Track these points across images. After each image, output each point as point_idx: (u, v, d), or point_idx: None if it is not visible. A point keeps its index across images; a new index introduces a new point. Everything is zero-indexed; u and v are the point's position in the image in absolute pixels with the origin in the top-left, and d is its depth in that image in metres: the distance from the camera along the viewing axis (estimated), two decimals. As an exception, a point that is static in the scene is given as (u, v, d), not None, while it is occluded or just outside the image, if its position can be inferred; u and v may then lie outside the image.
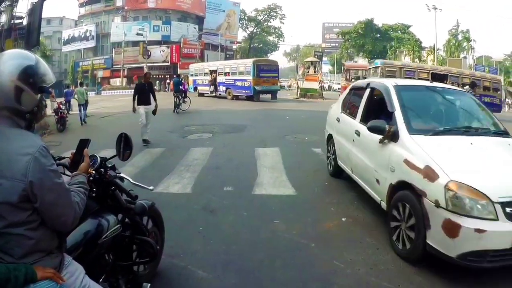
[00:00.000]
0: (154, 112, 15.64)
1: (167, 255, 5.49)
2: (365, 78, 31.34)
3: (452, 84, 30.30)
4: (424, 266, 5.48)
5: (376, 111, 7.87)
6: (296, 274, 5.34)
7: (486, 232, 4.73)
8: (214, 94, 44.48)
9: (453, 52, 74.80)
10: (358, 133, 7.99)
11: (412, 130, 6.42)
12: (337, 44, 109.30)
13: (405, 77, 30.30)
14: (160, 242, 5.08)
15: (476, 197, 4.89)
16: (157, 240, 4.91)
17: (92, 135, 15.53)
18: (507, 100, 64.34)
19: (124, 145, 4.13)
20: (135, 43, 77.56)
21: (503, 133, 7.05)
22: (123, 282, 3.95)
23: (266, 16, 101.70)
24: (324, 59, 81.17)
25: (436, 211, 5.09)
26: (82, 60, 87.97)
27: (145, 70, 67.50)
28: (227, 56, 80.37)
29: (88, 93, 27.99)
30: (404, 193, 5.81)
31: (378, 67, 31.80)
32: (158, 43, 78.94)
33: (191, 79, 51.06)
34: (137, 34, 72.85)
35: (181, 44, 77.49)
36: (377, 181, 6.83)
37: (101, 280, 3.53)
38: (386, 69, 30.97)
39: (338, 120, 9.78)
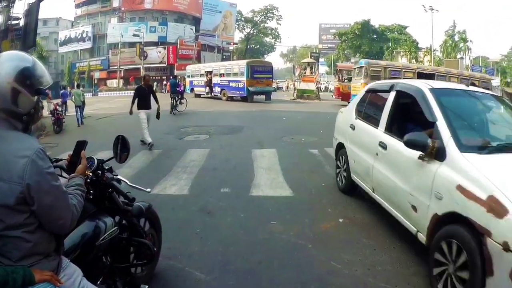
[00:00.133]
0: (157, 116, 15.56)
1: (165, 256, 5.50)
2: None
3: None
4: (422, 267, 5.51)
5: (405, 119, 7.10)
6: (294, 275, 5.34)
7: None
8: (209, 95, 44.67)
9: (450, 53, 74.91)
10: (383, 146, 6.64)
11: (463, 147, 5.15)
12: (333, 45, 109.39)
13: (390, 77, 30.16)
14: (158, 244, 5.08)
15: None
16: (155, 242, 4.92)
17: (89, 136, 15.50)
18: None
19: (121, 147, 4.13)
20: (131, 44, 77.43)
21: None
22: (120, 284, 3.95)
23: (262, 17, 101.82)
24: (321, 60, 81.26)
25: (504, 255, 3.99)
26: (78, 61, 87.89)
27: (142, 71, 67.94)
28: (224, 57, 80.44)
29: (85, 94, 27.97)
30: (456, 228, 4.63)
31: (363, 67, 31.77)
32: (155, 44, 78.97)
33: (187, 80, 51.12)
34: (134, 35, 72.76)
35: (178, 45, 77.50)
36: (414, 207, 5.54)
37: (98, 282, 3.53)
38: (371, 69, 30.95)
39: (352, 127, 8.44)
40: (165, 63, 77.43)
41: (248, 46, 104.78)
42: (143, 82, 15.98)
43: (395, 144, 6.29)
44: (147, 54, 75.03)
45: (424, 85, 6.53)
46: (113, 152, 4.15)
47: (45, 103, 24.79)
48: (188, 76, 51.50)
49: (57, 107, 22.24)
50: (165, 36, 79.85)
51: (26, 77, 2.49)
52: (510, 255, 3.90)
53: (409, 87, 6.86)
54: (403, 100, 7.14)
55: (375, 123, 7.38)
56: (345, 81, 38.35)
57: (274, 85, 76.26)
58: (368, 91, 8.75)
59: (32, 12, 24.90)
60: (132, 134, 13.18)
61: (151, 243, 4.34)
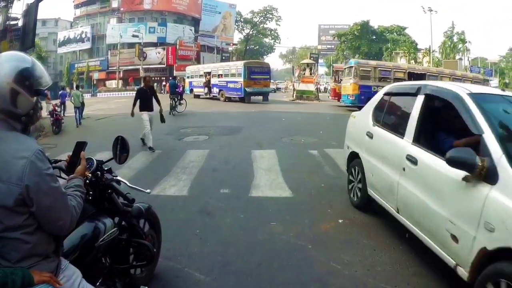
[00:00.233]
0: (162, 119, 15.46)
1: (164, 257, 5.49)
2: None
3: None
4: (421, 267, 5.52)
5: (435, 127, 6.24)
6: (294, 276, 5.34)
7: None
8: (208, 96, 44.84)
9: (449, 54, 74.99)
10: (413, 160, 5.63)
11: None
12: (333, 46, 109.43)
13: (380, 77, 30.71)
14: (157, 244, 5.07)
15: None
16: (154, 243, 4.90)
17: (88, 137, 15.44)
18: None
19: (121, 148, 4.12)
20: (130, 45, 77.37)
21: None
22: (120, 285, 3.94)
23: (262, 18, 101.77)
24: (320, 61, 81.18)
25: None
26: (77, 61, 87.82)
27: (141, 72, 68.09)
28: (223, 58, 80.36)
29: (84, 95, 27.95)
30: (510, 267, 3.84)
31: (352, 66, 31.88)
32: (154, 45, 78.91)
33: (187, 81, 51.42)
34: (133, 35, 72.69)
35: (177, 46, 77.45)
36: (454, 237, 4.69)
37: (98, 283, 3.53)
38: (360, 68, 31.07)
39: (369, 135, 7.46)
40: (164, 64, 77.40)
41: (248, 47, 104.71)
42: (143, 83, 15.77)
43: (429, 159, 5.36)
44: (146, 54, 74.97)
45: (460, 89, 5.58)
46: (112, 153, 4.14)
47: (44, 103, 24.73)
48: (188, 77, 51.73)
49: (56, 108, 22.26)
50: (164, 36, 79.82)
51: (25, 77, 2.48)
52: None
53: (442, 91, 5.88)
54: (433, 106, 6.28)
55: (400, 132, 6.43)
56: (341, 81, 38.41)
57: (274, 86, 76.80)
58: (387, 94, 7.70)
59: (30, 12, 24.93)
60: (132, 135, 13.16)
61: (150, 244, 4.33)
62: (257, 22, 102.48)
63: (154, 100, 15.12)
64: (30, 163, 2.35)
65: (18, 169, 2.33)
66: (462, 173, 4.51)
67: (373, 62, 35.60)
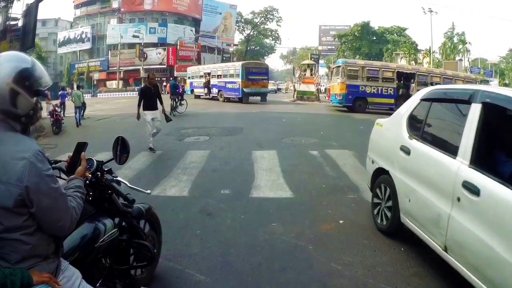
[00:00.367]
0: (167, 119, 15.17)
1: (165, 258, 5.50)
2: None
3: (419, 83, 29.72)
4: (422, 268, 5.53)
5: (492, 145, 5.02)
6: (294, 276, 5.34)
7: None
8: (208, 96, 45.04)
9: (449, 55, 74.94)
10: (473, 190, 4.43)
11: None
12: (333, 47, 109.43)
13: (368, 77, 30.61)
14: (158, 245, 5.06)
15: None
16: (155, 243, 4.90)
17: (88, 138, 15.45)
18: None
19: (121, 149, 4.11)
20: (131, 45, 77.36)
21: None
22: (120, 286, 3.93)
23: (262, 18, 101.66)
24: (321, 61, 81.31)
25: None
26: (77, 62, 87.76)
27: (142, 72, 68.12)
28: (224, 58, 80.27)
29: (84, 95, 28.01)
30: None
31: (340, 66, 31.82)
32: (155, 45, 78.84)
33: (188, 81, 51.76)
34: (133, 36, 72.72)
35: (178, 46, 77.41)
36: None
37: (98, 284, 3.52)
38: (348, 68, 30.99)
39: (405, 150, 6.14)
40: (165, 64, 77.32)
41: (248, 48, 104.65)
42: (148, 81, 15.16)
43: (499, 190, 4.13)
44: (146, 55, 74.95)
45: None
46: (112, 153, 4.13)
47: (44, 104, 24.78)
48: (189, 78, 52.00)
49: (56, 108, 22.25)
50: (165, 37, 79.73)
51: (25, 78, 2.47)
52: None
53: (507, 100, 4.55)
54: (492, 118, 4.90)
55: (450, 150, 5.20)
56: (331, 81, 38.42)
57: (275, 87, 76.83)
58: (426, 100, 6.36)
59: (30, 12, 24.93)
60: (132, 135, 13.17)
61: (151, 244, 4.33)
62: (258, 23, 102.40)
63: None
64: (30, 164, 2.35)
65: (18, 170, 2.32)
66: None
67: (361, 62, 35.70)
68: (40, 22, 61.12)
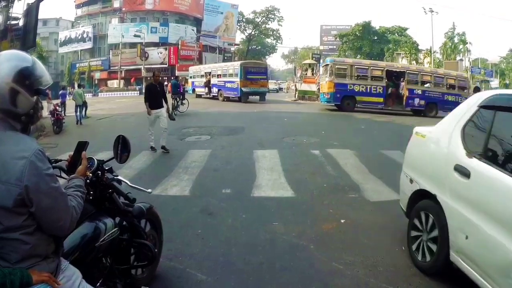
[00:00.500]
0: (171, 117, 14.80)
1: (166, 257, 5.49)
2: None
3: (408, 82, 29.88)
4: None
5: None
6: (295, 276, 5.33)
7: None
8: (208, 96, 45.34)
9: (450, 55, 74.97)
10: None
11: None
12: (335, 47, 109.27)
13: (357, 75, 30.51)
14: (159, 245, 5.05)
15: None
16: (155, 243, 4.88)
17: (89, 137, 15.47)
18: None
19: (122, 148, 4.10)
20: (132, 45, 77.30)
21: None
22: (121, 285, 3.92)
23: (264, 18, 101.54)
24: (322, 61, 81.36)
25: None
26: (79, 61, 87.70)
27: (143, 71, 68.05)
28: (225, 58, 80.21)
29: (85, 94, 28.06)
30: None
31: (328, 65, 31.80)
32: (156, 44, 78.78)
33: (190, 81, 52.24)
34: (135, 35, 72.63)
35: (179, 46, 77.37)
36: None
37: (98, 284, 3.51)
38: (336, 66, 30.89)
39: (463, 172, 4.83)
40: (166, 64, 77.23)
41: (250, 47, 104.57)
42: (152, 79, 14.80)
43: None
44: (148, 54, 74.90)
45: None
46: (113, 152, 4.12)
47: (44, 103, 24.80)
48: (191, 77, 52.42)
49: (57, 107, 22.27)
50: (166, 36, 79.67)
51: (25, 77, 2.46)
52: None
53: None
54: None
55: None
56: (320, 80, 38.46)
57: (276, 86, 76.97)
58: (488, 107, 5.03)
59: (31, 12, 24.89)
60: (133, 134, 13.13)
61: (152, 244, 4.32)
62: (259, 23, 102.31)
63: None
64: (30, 163, 2.34)
65: (18, 169, 2.31)
66: None
67: (350, 60, 35.91)
68: (41, 21, 61.00)
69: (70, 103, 26.42)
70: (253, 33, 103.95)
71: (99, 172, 3.79)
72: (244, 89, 38.74)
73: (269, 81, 74.82)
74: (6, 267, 2.32)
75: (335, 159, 12.26)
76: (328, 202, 8.47)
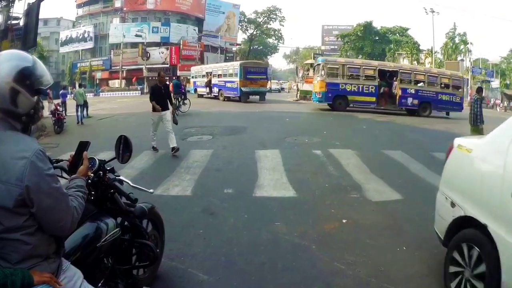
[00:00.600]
0: (174, 120, 14.37)
1: (167, 258, 5.48)
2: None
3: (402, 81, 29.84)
4: (425, 267, 5.53)
5: None
6: (297, 276, 5.32)
7: None
8: (210, 96, 45.62)
9: (451, 55, 75.14)
10: None
11: None
12: (336, 47, 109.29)
13: (349, 75, 30.47)
14: (160, 245, 5.04)
15: None
16: (157, 243, 4.87)
17: (91, 137, 15.46)
18: (503, 103, 64.90)
19: (124, 148, 4.09)
20: (134, 45, 77.30)
21: None
22: (122, 286, 3.92)
23: (265, 18, 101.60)
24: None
25: None
26: (80, 61, 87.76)
27: (145, 72, 68.17)
28: (227, 58, 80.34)
29: (86, 94, 28.12)
30: None
31: (320, 64, 31.78)
32: (157, 44, 78.75)
33: (192, 81, 52.54)
34: (136, 35, 72.58)
35: (181, 45, 77.37)
36: None
37: (100, 284, 3.51)
38: (328, 66, 30.85)
39: None
40: (167, 64, 77.19)
41: (251, 47, 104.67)
42: (158, 79, 14.50)
43: None
44: (149, 54, 74.82)
45: None
46: (115, 152, 4.11)
47: (45, 103, 24.85)
48: (192, 77, 52.73)
49: (58, 107, 22.27)
50: (167, 36, 79.65)
51: (25, 77, 2.44)
52: None
53: None
54: None
55: None
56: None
57: (278, 86, 77.17)
58: None
59: (32, 11, 24.91)
60: (135, 134, 13.13)
61: (153, 244, 4.30)
62: (261, 22, 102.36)
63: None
64: (30, 163, 2.32)
65: (18, 169, 2.30)
66: None
67: (342, 60, 36.02)
68: (42, 21, 61.10)
69: (71, 103, 26.45)
70: (254, 33, 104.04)
71: (101, 172, 3.79)
72: (243, 89, 38.91)
73: (271, 81, 75.56)
74: (7, 267, 2.30)
75: (337, 159, 12.26)
76: (330, 202, 8.46)
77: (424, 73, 31.65)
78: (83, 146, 3.29)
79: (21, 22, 26.06)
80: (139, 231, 4.25)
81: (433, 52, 71.95)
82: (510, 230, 3.82)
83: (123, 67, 77.13)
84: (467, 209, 4.61)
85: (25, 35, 25.21)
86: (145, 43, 72.82)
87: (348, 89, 30.27)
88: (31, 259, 2.41)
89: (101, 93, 72.71)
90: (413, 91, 30.26)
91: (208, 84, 45.77)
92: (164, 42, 79.09)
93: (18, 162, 2.31)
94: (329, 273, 5.42)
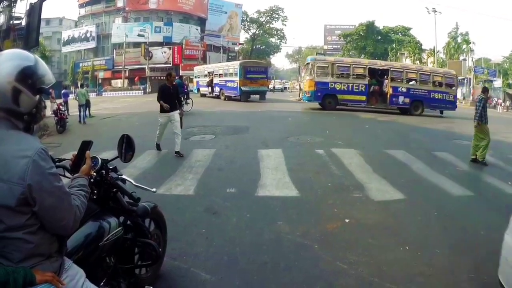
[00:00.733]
0: (181, 124, 13.74)
1: (170, 257, 5.48)
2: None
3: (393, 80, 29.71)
4: (427, 267, 5.52)
5: None
6: (300, 275, 5.31)
7: None
8: (212, 95, 45.98)
9: (453, 54, 75.09)
10: None
11: None
12: (338, 46, 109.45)
13: (338, 73, 30.33)
14: (163, 244, 5.03)
15: None
16: (160, 242, 4.86)
17: (93, 136, 15.44)
18: (505, 102, 64.84)
19: (126, 147, 4.09)
20: (136, 44, 77.33)
21: None
22: (125, 285, 3.90)
23: (268, 18, 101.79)
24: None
25: None
26: (82, 61, 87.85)
27: (147, 71, 68.21)
28: (229, 57, 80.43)
29: (89, 93, 28.23)
30: None
31: (309, 63, 31.67)
32: (160, 44, 78.82)
33: (195, 80, 53.02)
34: (139, 35, 72.64)
35: (183, 45, 77.39)
36: None
37: (102, 283, 3.51)
38: (317, 65, 30.71)
39: None
40: (170, 64, 77.13)
41: (254, 47, 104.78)
42: (169, 79, 13.80)
43: None
44: (152, 54, 74.86)
45: None
46: (117, 151, 4.11)
47: (48, 103, 24.86)
48: (195, 77, 53.02)
49: (61, 107, 22.29)
50: (170, 36, 79.74)
51: (27, 76, 2.45)
52: None
53: None
54: None
55: None
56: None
57: (281, 86, 77.39)
58: None
59: (34, 11, 24.95)
60: (137, 134, 13.12)
61: (156, 243, 4.30)
62: (263, 22, 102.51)
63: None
64: (33, 162, 2.33)
65: (20, 168, 2.30)
66: None
67: (331, 58, 36.21)
68: (44, 21, 61.07)
69: (73, 103, 26.59)
70: (257, 32, 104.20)
71: (103, 171, 3.78)
72: (243, 88, 39.21)
73: (275, 80, 75.59)
74: (9, 266, 2.30)
75: (339, 159, 12.26)
76: (332, 202, 8.45)
77: (416, 71, 31.39)
78: (86, 145, 3.29)
79: (23, 22, 26.11)
80: (142, 230, 4.25)
81: (436, 51, 71.95)
82: None
83: (126, 67, 77.25)
84: None
85: (27, 35, 25.26)
86: (147, 43, 72.90)
87: (337, 88, 30.18)
88: (33, 258, 2.41)
89: (103, 93, 72.84)
90: (404, 90, 30.11)
91: (210, 84, 46.10)
92: (167, 42, 79.20)
93: (20, 161, 2.31)
94: (331, 272, 5.41)
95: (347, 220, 7.36)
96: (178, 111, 13.59)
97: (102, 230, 3.48)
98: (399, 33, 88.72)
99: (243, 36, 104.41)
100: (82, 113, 24.69)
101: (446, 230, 7.06)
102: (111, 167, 3.92)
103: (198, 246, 6.20)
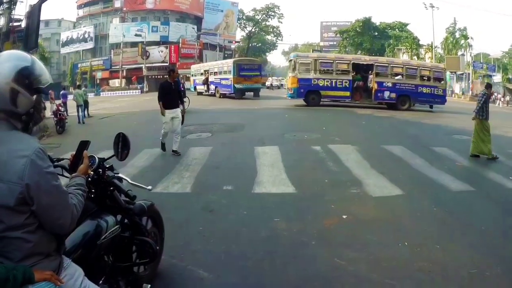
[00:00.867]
0: (182, 121, 13.58)
1: (167, 255, 5.47)
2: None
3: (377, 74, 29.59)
4: (426, 262, 5.51)
5: None
6: (297, 272, 5.31)
7: None
8: (207, 93, 46.39)
9: (451, 50, 75.01)
10: None
11: None
12: (335, 43, 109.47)
13: (321, 69, 30.22)
14: (160, 242, 5.05)
15: None
16: (157, 240, 4.88)
17: (92, 136, 15.48)
18: (505, 97, 64.75)
19: (122, 145, 4.09)
20: (133, 44, 77.41)
21: None
22: (123, 283, 3.92)
23: (264, 15, 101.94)
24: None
25: None
26: (80, 61, 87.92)
27: (144, 70, 68.24)
28: (226, 55, 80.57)
29: (87, 94, 28.24)
30: None
31: (292, 60, 31.60)
32: (157, 43, 78.90)
33: (192, 79, 53.19)
34: (136, 35, 72.80)
35: (180, 44, 77.48)
36: None
37: (101, 281, 3.52)
38: (299, 61, 30.65)
39: None
40: (167, 62, 77.04)
41: (250, 44, 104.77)
42: (169, 76, 13.48)
43: None
44: (149, 53, 74.88)
45: None
46: (113, 150, 4.11)
47: (47, 103, 24.86)
48: (192, 75, 53.26)
49: (60, 107, 22.28)
50: (167, 35, 79.82)
51: (24, 76, 2.47)
52: None
53: None
54: None
55: None
56: None
57: (278, 83, 77.52)
58: None
59: (33, 13, 24.93)
60: (135, 133, 13.15)
61: (153, 241, 4.31)
62: (259, 20, 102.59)
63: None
64: (31, 161, 2.34)
65: (19, 168, 2.32)
66: None
67: (314, 55, 35.81)
68: (43, 22, 60.92)
69: (72, 103, 26.58)
70: (253, 30, 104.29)
71: (100, 170, 3.80)
72: (237, 86, 39.53)
73: (272, 77, 75.44)
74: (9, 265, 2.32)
75: (336, 155, 12.27)
76: (329, 198, 8.45)
77: (402, 66, 31.12)
78: (84, 145, 3.31)
79: (23, 24, 26.09)
80: (139, 229, 4.26)
81: (433, 47, 71.90)
82: None
83: (123, 67, 77.34)
84: None
85: (27, 36, 25.26)
86: (144, 42, 72.96)
87: (320, 84, 30.14)
88: (32, 257, 2.44)
89: (101, 93, 72.79)
90: (390, 85, 29.88)
91: (206, 82, 46.47)
92: (164, 41, 79.34)
93: (19, 161, 2.33)
94: (329, 269, 5.41)
95: (344, 217, 7.35)
96: (180, 108, 13.53)
97: (99, 229, 3.49)
98: (396, 29, 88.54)
99: (240, 34, 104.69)
100: (80, 114, 24.83)
101: (445, 226, 7.04)
102: (107, 166, 3.93)
103: (195, 243, 6.22)
